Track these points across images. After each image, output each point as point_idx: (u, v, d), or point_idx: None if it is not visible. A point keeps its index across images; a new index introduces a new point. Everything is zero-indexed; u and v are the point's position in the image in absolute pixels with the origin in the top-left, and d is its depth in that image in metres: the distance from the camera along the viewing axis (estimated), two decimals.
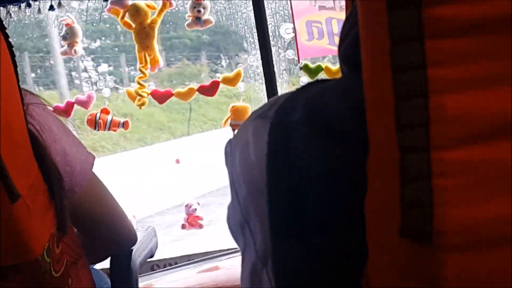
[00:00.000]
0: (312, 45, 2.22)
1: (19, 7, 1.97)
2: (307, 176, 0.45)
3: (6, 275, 0.69)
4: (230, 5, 2.35)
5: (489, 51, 0.35)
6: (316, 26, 2.20)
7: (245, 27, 2.37)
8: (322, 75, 2.18)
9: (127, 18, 2.10)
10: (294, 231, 0.45)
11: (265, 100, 2.22)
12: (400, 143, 0.36)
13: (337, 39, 2.23)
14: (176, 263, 2.15)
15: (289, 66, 2.35)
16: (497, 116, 0.35)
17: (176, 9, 2.16)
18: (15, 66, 0.67)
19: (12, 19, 2.01)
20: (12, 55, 0.67)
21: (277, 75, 2.17)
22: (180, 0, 2.14)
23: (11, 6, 1.95)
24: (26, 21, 2.17)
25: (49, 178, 0.73)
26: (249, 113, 2.47)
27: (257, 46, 2.14)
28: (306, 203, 0.45)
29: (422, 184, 0.35)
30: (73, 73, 9.60)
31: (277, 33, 2.27)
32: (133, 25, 2.11)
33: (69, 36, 2.16)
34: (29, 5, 1.96)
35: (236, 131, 2.28)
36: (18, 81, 0.68)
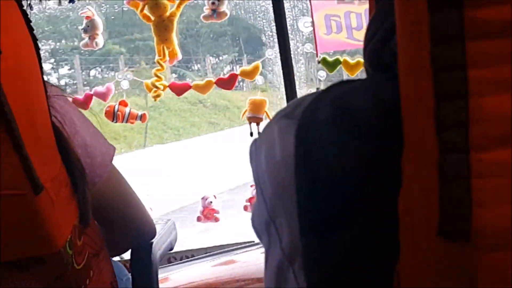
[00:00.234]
0: (330, 39, 2.21)
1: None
2: (336, 174, 0.45)
3: (29, 267, 0.69)
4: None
5: None
6: (335, 19, 2.19)
7: (264, 21, 2.37)
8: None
9: (146, 11, 2.11)
10: (324, 228, 0.46)
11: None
12: (440, 143, 0.36)
13: (355, 33, 2.22)
14: (192, 256, 2.16)
15: (307, 60, 2.34)
16: None
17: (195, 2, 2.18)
18: (39, 59, 0.67)
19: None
20: (37, 48, 0.67)
21: (295, 69, 2.16)
22: None
23: None
24: None
25: (72, 170, 0.73)
26: (266, 106, 2.44)
27: (275, 40, 2.14)
28: (336, 201, 0.45)
29: (461, 184, 0.36)
30: None
31: (295, 27, 2.26)
32: (152, 18, 2.12)
33: (89, 28, 2.20)
34: None
35: (252, 124, 2.29)
36: (42, 74, 0.68)
